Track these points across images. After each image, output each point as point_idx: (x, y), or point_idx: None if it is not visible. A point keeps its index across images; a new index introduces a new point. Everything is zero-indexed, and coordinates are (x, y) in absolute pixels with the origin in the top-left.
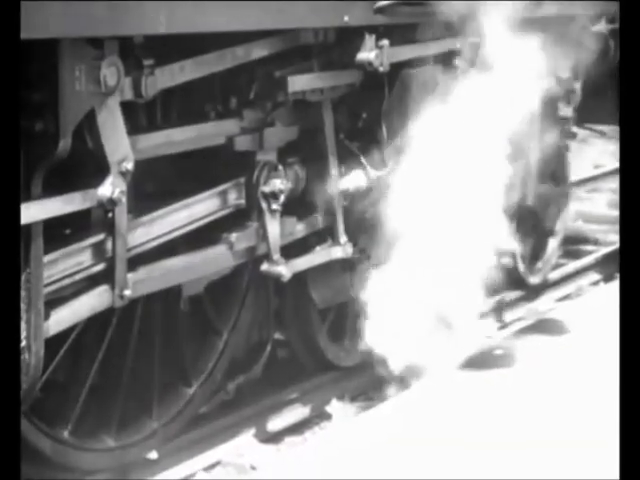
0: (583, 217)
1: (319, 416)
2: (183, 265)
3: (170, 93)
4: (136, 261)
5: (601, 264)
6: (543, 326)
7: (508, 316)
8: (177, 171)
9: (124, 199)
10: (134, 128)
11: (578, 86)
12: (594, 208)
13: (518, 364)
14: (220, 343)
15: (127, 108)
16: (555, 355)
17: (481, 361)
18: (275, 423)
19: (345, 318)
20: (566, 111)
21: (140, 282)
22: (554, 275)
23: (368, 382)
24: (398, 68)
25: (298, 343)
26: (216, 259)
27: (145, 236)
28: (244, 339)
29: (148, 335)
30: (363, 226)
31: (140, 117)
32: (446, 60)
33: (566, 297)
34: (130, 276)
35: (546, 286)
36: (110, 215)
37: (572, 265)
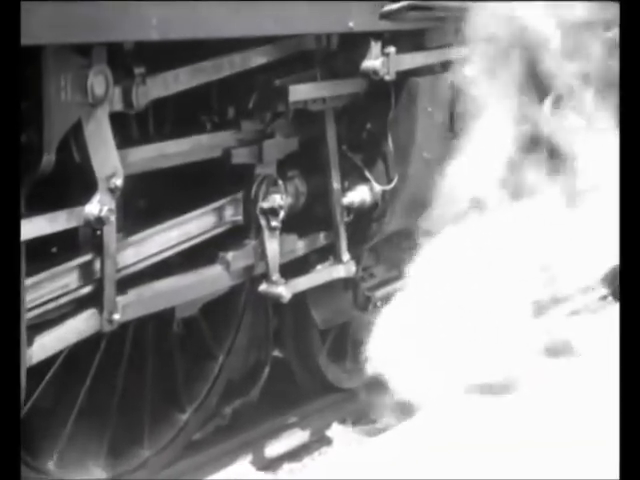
0: None
1: (319, 441)
2: (176, 286)
3: (163, 103)
4: (126, 283)
5: (609, 279)
6: (554, 347)
7: None
8: (170, 186)
9: (113, 217)
10: (124, 141)
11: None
12: None
13: (526, 390)
14: (215, 366)
15: (117, 119)
16: (565, 378)
17: (490, 386)
18: (273, 449)
19: (346, 338)
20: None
21: (130, 305)
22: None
23: (371, 405)
24: (405, 76)
25: (297, 364)
26: (212, 279)
27: (136, 256)
28: (241, 361)
29: (139, 359)
30: (367, 243)
31: (131, 129)
32: (455, 68)
33: (574, 312)
34: (119, 299)
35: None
36: (98, 234)
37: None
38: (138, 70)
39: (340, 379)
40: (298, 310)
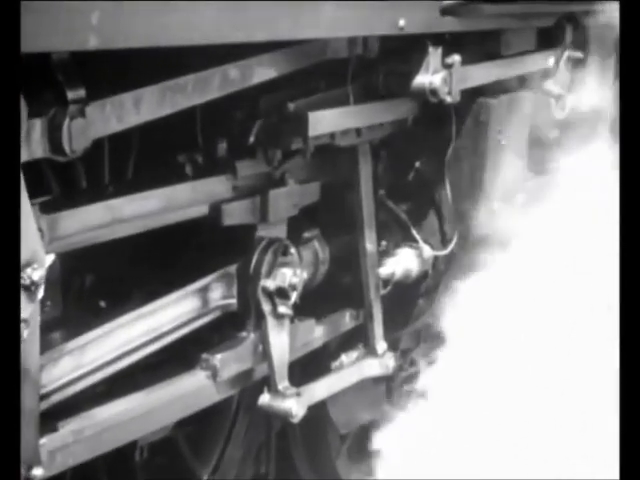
0: None
1: None
2: (137, 411)
3: (120, 140)
4: (57, 412)
5: None
6: None
7: None
8: (133, 259)
9: (28, 331)
10: (57, 199)
11: None
12: None
13: None
14: None
15: (43, 169)
16: None
17: None
18: None
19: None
20: None
21: (62, 450)
22: None
23: None
24: (471, 96)
25: (309, 473)
26: (190, 395)
27: (73, 371)
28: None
29: None
30: (410, 326)
31: (67, 182)
32: (539, 84)
33: None
34: (44, 442)
35: None
36: None
37: None
38: (73, 93)
39: None
40: (311, 409)
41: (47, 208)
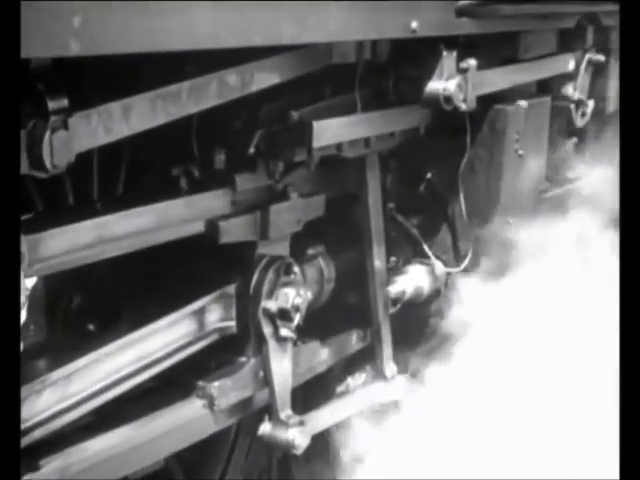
0: None
1: None
2: (126, 446)
3: (109, 153)
4: (41, 447)
5: None
6: None
7: None
8: (123, 281)
9: None
10: (38, 219)
11: None
12: None
13: None
14: None
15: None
16: None
17: None
18: None
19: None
20: None
21: None
22: None
23: None
24: (487, 103)
25: None
26: (186, 427)
27: (57, 403)
28: None
29: None
30: (421, 347)
31: (51, 198)
32: (557, 89)
33: None
34: None
35: None
36: None
37: None
38: (55, 103)
39: None
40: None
41: (29, 227)
